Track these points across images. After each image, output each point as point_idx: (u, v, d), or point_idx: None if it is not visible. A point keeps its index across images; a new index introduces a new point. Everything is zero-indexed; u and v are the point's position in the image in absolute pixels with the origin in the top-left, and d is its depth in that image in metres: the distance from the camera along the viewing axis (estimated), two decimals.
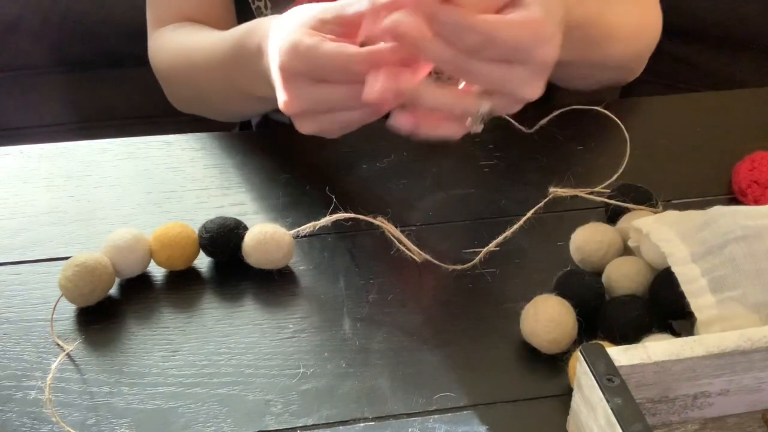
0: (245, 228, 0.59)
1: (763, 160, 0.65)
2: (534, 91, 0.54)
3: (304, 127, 0.59)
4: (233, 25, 0.86)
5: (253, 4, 0.81)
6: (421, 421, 0.49)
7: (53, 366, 0.52)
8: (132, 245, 0.57)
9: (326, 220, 0.60)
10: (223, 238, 0.59)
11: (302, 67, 0.55)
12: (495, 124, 0.74)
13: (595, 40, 0.70)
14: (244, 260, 0.59)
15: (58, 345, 0.54)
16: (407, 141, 0.62)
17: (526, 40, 0.52)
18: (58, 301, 0.56)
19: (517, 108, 0.56)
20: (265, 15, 0.81)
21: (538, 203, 0.65)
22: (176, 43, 0.81)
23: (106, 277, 0.56)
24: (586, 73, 0.76)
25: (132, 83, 1.49)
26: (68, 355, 0.53)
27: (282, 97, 0.58)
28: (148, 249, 0.58)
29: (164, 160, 0.70)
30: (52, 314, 0.55)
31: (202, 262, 0.60)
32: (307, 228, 0.60)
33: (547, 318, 0.52)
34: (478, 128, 0.55)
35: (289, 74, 0.56)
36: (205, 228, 0.59)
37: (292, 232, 0.60)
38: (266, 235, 0.58)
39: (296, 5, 0.79)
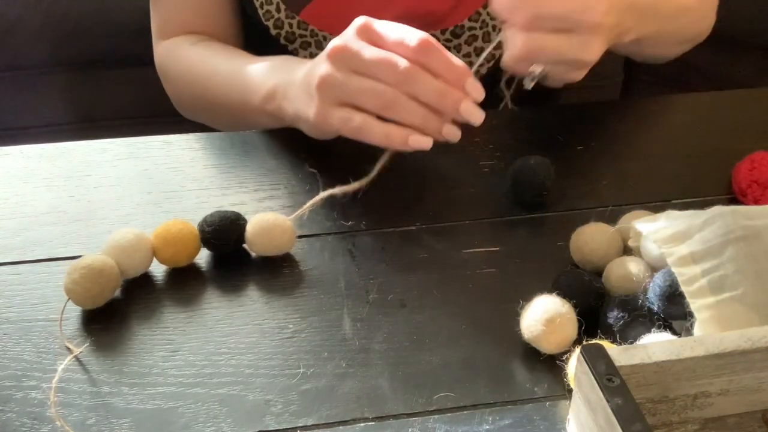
0: (245, 219, 0.60)
1: (763, 160, 0.65)
2: (591, 54, 0.61)
3: (329, 117, 0.62)
4: (239, 38, 0.86)
5: (262, 8, 0.81)
6: (421, 421, 0.49)
7: (59, 368, 0.51)
8: (135, 245, 0.57)
9: (318, 197, 0.62)
10: (226, 230, 0.59)
11: (352, 56, 0.60)
12: (494, 125, 0.74)
13: (668, 14, 0.72)
14: (246, 252, 0.59)
15: (68, 348, 0.53)
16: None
17: (571, 8, 0.59)
18: (65, 305, 0.56)
19: (579, 74, 0.63)
20: (277, 18, 0.81)
21: (541, 203, 0.65)
22: (190, 65, 0.82)
23: (113, 278, 0.56)
24: (663, 46, 0.78)
25: (132, 83, 1.49)
26: (68, 356, 0.53)
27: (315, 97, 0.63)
28: (150, 248, 0.58)
29: (164, 160, 0.70)
30: (60, 317, 0.55)
31: (202, 262, 0.60)
32: (305, 208, 0.62)
33: (547, 318, 0.52)
34: (529, 86, 0.63)
35: (337, 58, 0.61)
36: (206, 222, 0.59)
37: (291, 216, 0.61)
38: (268, 222, 0.59)
39: (312, 6, 0.79)
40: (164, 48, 0.85)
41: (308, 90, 0.64)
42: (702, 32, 0.81)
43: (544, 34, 0.60)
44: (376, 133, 0.61)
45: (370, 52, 0.60)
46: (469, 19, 0.80)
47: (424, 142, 0.61)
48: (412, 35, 0.60)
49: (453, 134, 0.61)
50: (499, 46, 0.63)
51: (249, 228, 0.60)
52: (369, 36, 0.61)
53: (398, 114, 0.60)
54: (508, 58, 0.62)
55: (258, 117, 0.73)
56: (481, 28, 0.80)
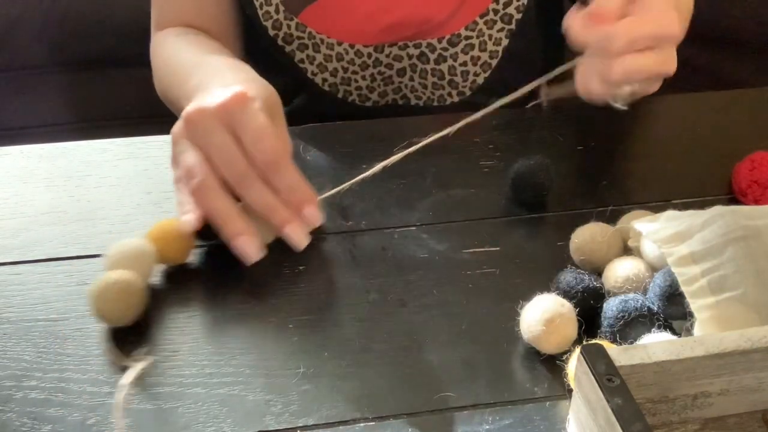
0: None
1: (763, 160, 0.65)
2: (673, 65, 0.60)
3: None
4: (237, 35, 0.86)
5: (261, 9, 0.81)
6: (421, 422, 0.49)
7: (121, 381, 0.50)
8: (143, 251, 0.57)
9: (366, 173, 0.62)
10: None
11: (201, 133, 0.58)
12: (494, 125, 0.74)
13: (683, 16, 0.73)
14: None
15: (99, 365, 0.52)
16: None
17: (659, 24, 0.58)
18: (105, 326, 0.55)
19: (657, 86, 0.64)
20: (276, 18, 0.81)
21: (541, 203, 0.65)
22: (163, 57, 0.82)
23: (142, 288, 0.55)
24: None
25: (132, 83, 1.49)
26: (67, 355, 0.53)
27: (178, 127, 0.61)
28: (153, 251, 0.58)
29: (164, 160, 0.70)
30: (103, 331, 0.55)
31: (196, 261, 0.60)
32: (331, 192, 0.63)
33: (546, 318, 0.52)
34: (623, 107, 0.61)
35: (193, 126, 0.59)
36: None
37: (319, 198, 0.62)
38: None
39: (311, 9, 0.79)
40: (155, 40, 0.85)
41: None
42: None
43: (636, 55, 0.58)
44: (179, 196, 0.60)
45: (218, 139, 0.58)
46: (466, 28, 0.80)
47: (187, 223, 0.58)
48: (268, 143, 0.58)
49: (249, 254, 0.58)
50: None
51: None
52: (233, 116, 0.58)
53: (204, 205, 0.58)
54: (600, 85, 0.59)
55: None
56: (477, 37, 0.80)
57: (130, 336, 0.55)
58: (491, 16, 0.80)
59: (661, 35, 0.59)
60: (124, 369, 0.52)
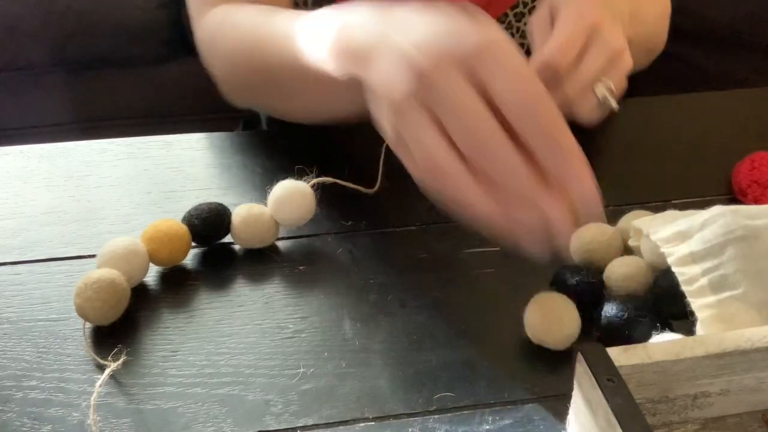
0: (229, 210, 0.61)
1: (763, 160, 0.66)
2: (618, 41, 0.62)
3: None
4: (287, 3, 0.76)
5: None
6: (421, 421, 0.49)
7: (96, 384, 0.50)
8: (132, 251, 0.57)
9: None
10: (215, 221, 0.60)
11: (435, 97, 0.45)
12: None
13: (640, 20, 0.74)
14: (231, 244, 0.60)
15: (99, 366, 0.52)
16: None
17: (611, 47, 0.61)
18: (85, 324, 0.55)
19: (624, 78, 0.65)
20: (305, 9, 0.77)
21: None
22: (243, 31, 0.69)
23: (125, 289, 0.55)
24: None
25: (132, 83, 1.49)
26: (67, 355, 0.53)
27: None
28: (146, 251, 0.58)
29: (164, 160, 0.70)
30: (84, 329, 0.54)
31: (193, 262, 0.60)
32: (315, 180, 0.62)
33: (555, 315, 0.52)
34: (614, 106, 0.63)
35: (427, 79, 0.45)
36: (194, 216, 0.60)
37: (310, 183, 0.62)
38: (253, 213, 0.60)
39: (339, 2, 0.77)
40: (212, 17, 0.73)
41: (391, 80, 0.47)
42: (660, 46, 0.83)
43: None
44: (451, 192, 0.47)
45: (463, 97, 0.44)
46: (497, 20, 0.80)
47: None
48: (533, 84, 0.44)
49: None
50: None
51: (234, 219, 0.60)
52: (485, 64, 0.45)
53: (453, 196, 0.47)
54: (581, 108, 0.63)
55: (330, 87, 0.57)
56: (506, 29, 0.80)
57: (129, 336, 0.55)
58: (521, 8, 0.80)
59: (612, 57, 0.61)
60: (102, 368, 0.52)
